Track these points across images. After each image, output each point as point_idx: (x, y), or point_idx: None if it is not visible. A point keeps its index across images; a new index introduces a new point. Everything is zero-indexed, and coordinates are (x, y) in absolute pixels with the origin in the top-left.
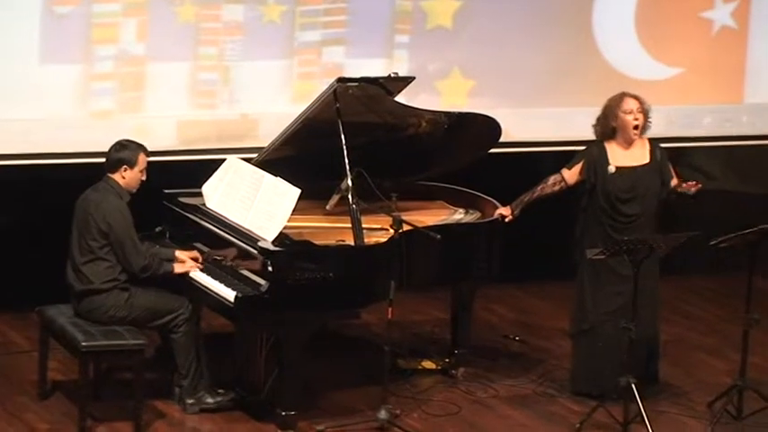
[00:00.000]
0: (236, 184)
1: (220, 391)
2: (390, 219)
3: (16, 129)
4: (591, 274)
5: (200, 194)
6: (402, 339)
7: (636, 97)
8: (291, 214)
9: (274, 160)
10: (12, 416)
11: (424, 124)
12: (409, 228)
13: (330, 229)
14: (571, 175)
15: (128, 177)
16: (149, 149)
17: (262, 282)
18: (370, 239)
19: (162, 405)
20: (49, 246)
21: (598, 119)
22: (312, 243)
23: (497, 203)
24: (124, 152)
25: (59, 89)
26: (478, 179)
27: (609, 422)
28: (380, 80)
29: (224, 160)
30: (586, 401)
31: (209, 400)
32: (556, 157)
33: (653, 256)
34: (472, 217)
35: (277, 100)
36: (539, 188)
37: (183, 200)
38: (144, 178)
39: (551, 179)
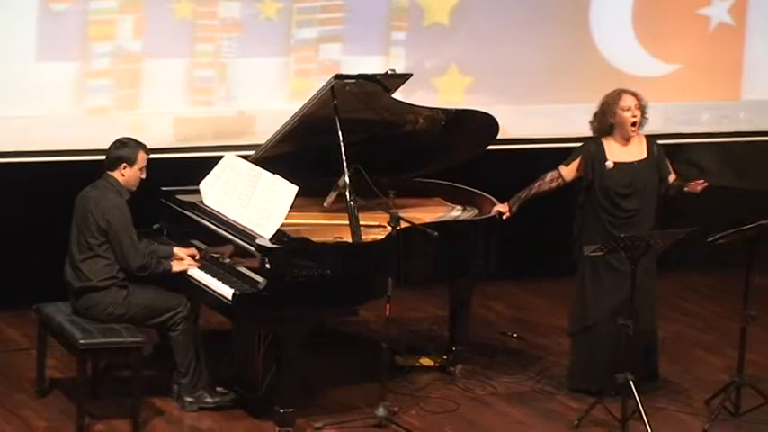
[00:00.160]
0: (234, 181)
1: (220, 390)
2: (388, 216)
3: (13, 126)
4: (590, 271)
5: (197, 192)
6: (400, 336)
7: (633, 94)
8: (289, 211)
9: (272, 157)
10: (10, 413)
11: (421, 121)
12: (407, 225)
13: (327, 227)
14: (568, 171)
15: (127, 175)
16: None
17: (259, 279)
18: (368, 236)
19: (160, 402)
20: (47, 243)
21: (595, 115)
22: (310, 240)
23: (495, 200)
24: (124, 150)
25: (56, 86)
26: (476, 176)
27: (607, 419)
28: (378, 77)
29: (221, 157)
30: (584, 398)
31: (209, 399)
32: (553, 154)
33: (650, 253)
34: (470, 214)
35: (274, 97)
36: (536, 185)
37: (180, 197)
38: (144, 176)
39: (548, 176)
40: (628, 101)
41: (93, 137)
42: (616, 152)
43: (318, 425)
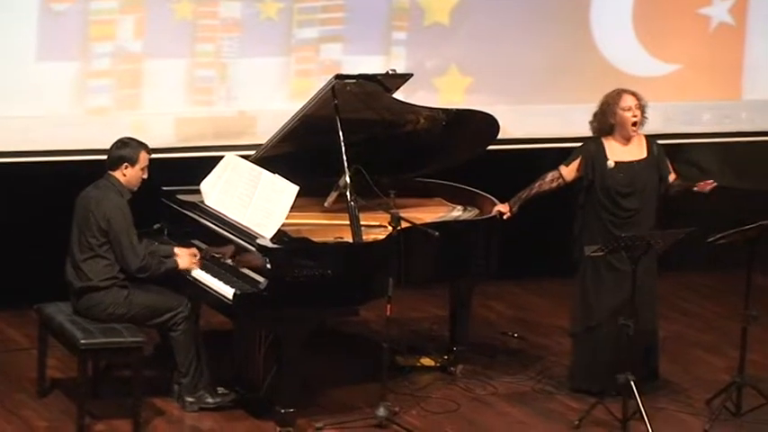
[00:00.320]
0: (235, 181)
1: (220, 390)
2: (388, 216)
3: (14, 126)
4: (591, 271)
5: (198, 192)
6: (401, 336)
7: (633, 93)
8: (290, 211)
9: (272, 157)
10: (10, 413)
11: (421, 121)
12: (407, 225)
13: (328, 227)
14: (569, 171)
15: (129, 175)
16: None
17: (260, 279)
18: (369, 236)
19: (161, 403)
20: (48, 243)
21: (595, 115)
22: (310, 240)
23: (495, 200)
24: (125, 150)
25: (57, 87)
26: (476, 176)
27: (608, 419)
28: (378, 77)
29: (222, 157)
30: (585, 398)
31: (209, 400)
32: (554, 154)
33: (651, 253)
34: (470, 214)
35: (275, 97)
36: (536, 185)
37: (181, 197)
38: (145, 176)
39: (549, 176)
40: (628, 101)
41: (94, 137)
42: (616, 152)
43: (319, 425)
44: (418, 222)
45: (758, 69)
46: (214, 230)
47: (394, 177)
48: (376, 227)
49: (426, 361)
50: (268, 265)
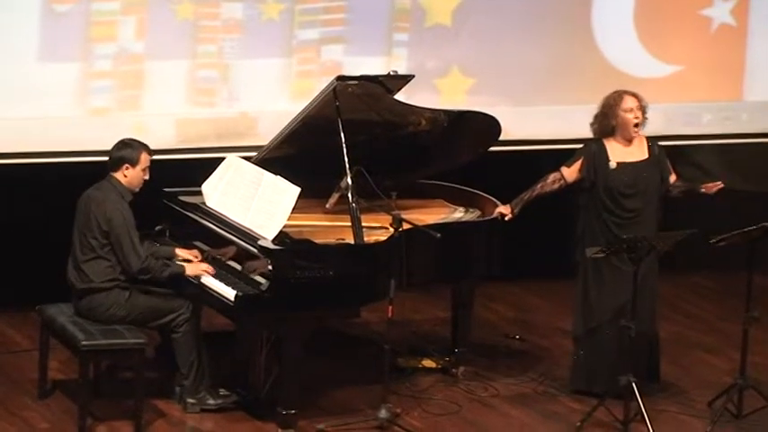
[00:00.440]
0: (236, 182)
1: (222, 392)
2: (390, 217)
3: (15, 127)
4: (593, 272)
5: (199, 193)
6: (402, 338)
7: (634, 95)
8: (291, 213)
9: (274, 159)
10: (12, 415)
11: (423, 122)
12: (409, 226)
13: (330, 228)
14: (570, 172)
15: (129, 176)
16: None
17: (262, 280)
18: (370, 238)
19: (162, 404)
20: (49, 244)
21: (596, 117)
22: (312, 242)
23: (497, 202)
24: (126, 150)
25: (58, 87)
26: (478, 177)
27: (609, 421)
28: (380, 78)
29: (223, 159)
30: (587, 400)
31: (211, 401)
32: (555, 155)
33: (652, 254)
34: (472, 215)
35: (276, 98)
36: (538, 186)
37: (182, 198)
38: (147, 177)
39: (551, 177)
40: (629, 102)
41: (96, 138)
42: (618, 153)
43: (320, 426)
44: (420, 224)
45: (759, 70)
46: (216, 232)
47: (395, 179)
48: (377, 228)
49: (428, 362)
50: (269, 267)
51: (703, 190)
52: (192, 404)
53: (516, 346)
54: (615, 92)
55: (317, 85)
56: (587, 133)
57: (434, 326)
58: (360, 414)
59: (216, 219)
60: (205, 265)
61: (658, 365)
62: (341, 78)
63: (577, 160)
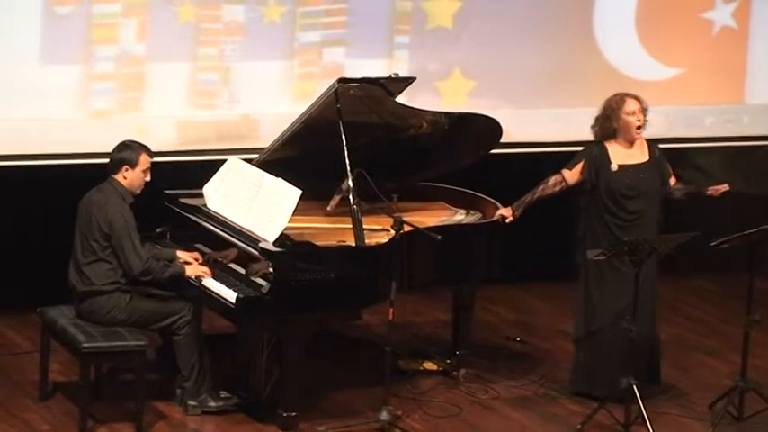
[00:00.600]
0: (237, 184)
1: (223, 394)
2: (391, 219)
3: (16, 129)
4: (595, 275)
5: (201, 195)
6: (403, 340)
7: (636, 97)
8: (292, 215)
9: (275, 161)
10: (13, 416)
11: (424, 125)
12: (410, 228)
13: (331, 230)
14: (572, 175)
15: (129, 178)
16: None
17: (263, 283)
18: (371, 240)
19: (163, 406)
20: (50, 246)
21: (597, 120)
22: (313, 244)
23: (498, 204)
24: (125, 152)
25: (60, 90)
26: (479, 180)
27: (610, 423)
28: (381, 81)
29: (225, 161)
30: (587, 402)
31: (212, 403)
32: (557, 158)
33: (653, 256)
34: (473, 218)
35: (278, 100)
36: (539, 189)
37: (183, 201)
38: (148, 179)
39: (552, 179)
40: (632, 105)
41: (97, 140)
42: (619, 155)
43: (321, 428)
44: (421, 226)
45: (761, 73)
46: (217, 234)
47: (397, 181)
48: (378, 230)
49: (429, 365)
50: (271, 269)
51: (710, 192)
52: (193, 406)
53: (517, 348)
54: (617, 95)
55: (319, 88)
56: (588, 136)
57: (435, 328)
58: (361, 416)
59: (217, 221)
60: (205, 267)
61: (659, 368)
62: (342, 81)
63: (578, 162)
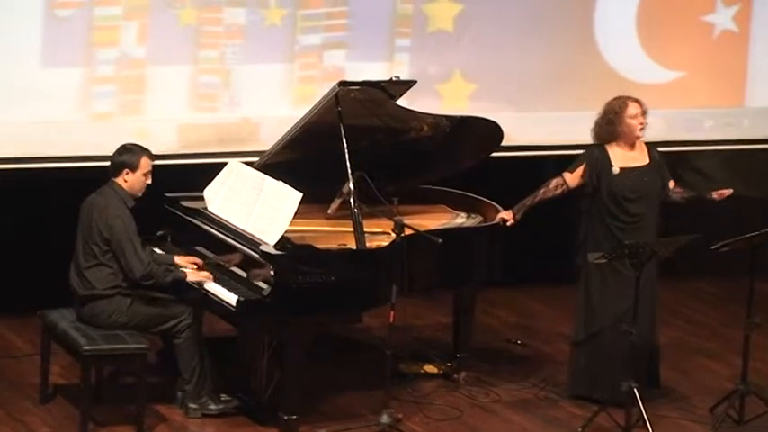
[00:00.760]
0: (238, 187)
1: (224, 397)
2: (392, 223)
3: (18, 132)
4: (596, 277)
5: (201, 198)
6: (404, 343)
7: (636, 100)
8: (293, 218)
9: (276, 164)
10: (14, 419)
11: (425, 128)
12: (411, 232)
13: (332, 233)
14: (573, 177)
15: (130, 181)
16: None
17: (264, 286)
18: (372, 243)
19: (164, 409)
20: (51, 249)
21: (598, 123)
22: (314, 247)
23: (499, 207)
24: (126, 155)
25: (61, 92)
26: (480, 183)
27: (610, 426)
28: (382, 84)
29: (225, 164)
30: (588, 405)
31: (212, 406)
32: (558, 161)
33: (653, 259)
34: (474, 221)
35: (278, 103)
36: (540, 192)
37: (184, 204)
38: (149, 182)
39: (553, 182)
40: (634, 109)
41: (98, 143)
42: (620, 158)
43: (322, 431)
44: (421, 229)
45: (761, 77)
46: (218, 237)
47: (397, 184)
48: (379, 234)
49: (429, 368)
50: (271, 272)
51: (714, 196)
52: (194, 409)
53: (518, 351)
54: (618, 98)
55: (320, 91)
56: (589, 139)
57: (436, 331)
58: (361, 419)
59: (218, 224)
60: (206, 273)
61: (658, 371)
62: (343, 84)
63: (580, 165)
